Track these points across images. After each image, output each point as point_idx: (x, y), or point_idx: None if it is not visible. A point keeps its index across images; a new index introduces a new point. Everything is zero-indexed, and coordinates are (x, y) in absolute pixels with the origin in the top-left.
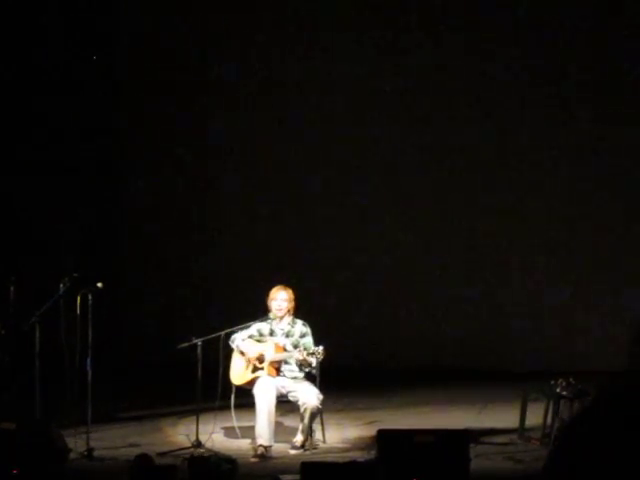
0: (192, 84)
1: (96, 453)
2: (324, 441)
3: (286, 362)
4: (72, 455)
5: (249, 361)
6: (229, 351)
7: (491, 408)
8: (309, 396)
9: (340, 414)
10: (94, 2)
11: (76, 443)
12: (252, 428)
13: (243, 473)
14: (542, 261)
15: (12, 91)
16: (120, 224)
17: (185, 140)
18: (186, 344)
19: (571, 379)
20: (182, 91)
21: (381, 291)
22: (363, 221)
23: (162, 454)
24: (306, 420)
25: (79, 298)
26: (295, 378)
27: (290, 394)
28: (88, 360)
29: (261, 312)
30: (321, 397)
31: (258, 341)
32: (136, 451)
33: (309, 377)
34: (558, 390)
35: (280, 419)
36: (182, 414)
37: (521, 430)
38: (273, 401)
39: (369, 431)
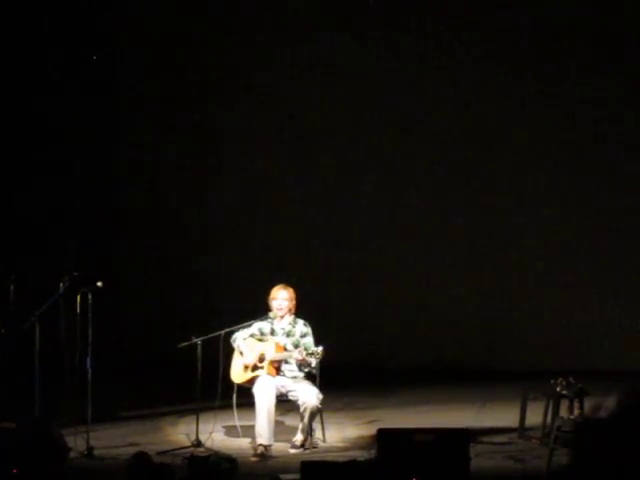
0: (192, 84)
1: (96, 452)
2: (324, 440)
3: (286, 361)
4: (72, 454)
5: (247, 365)
6: (229, 350)
7: (491, 407)
8: (309, 395)
9: (340, 413)
10: (94, 2)
11: (76, 442)
12: (252, 427)
13: (243, 472)
14: (542, 261)
15: (12, 91)
16: (120, 224)
17: (185, 140)
18: (186, 343)
19: (571, 378)
20: (182, 91)
21: (381, 291)
22: (363, 221)
23: (162, 453)
24: (306, 419)
25: (79, 297)
26: (295, 377)
27: (290, 393)
28: (88, 359)
29: (261, 312)
30: (321, 396)
31: (259, 340)
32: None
33: (309, 376)
34: (558, 389)
35: (280, 418)
36: (182, 413)
37: (521, 429)
38: (273, 400)
39: (369, 430)
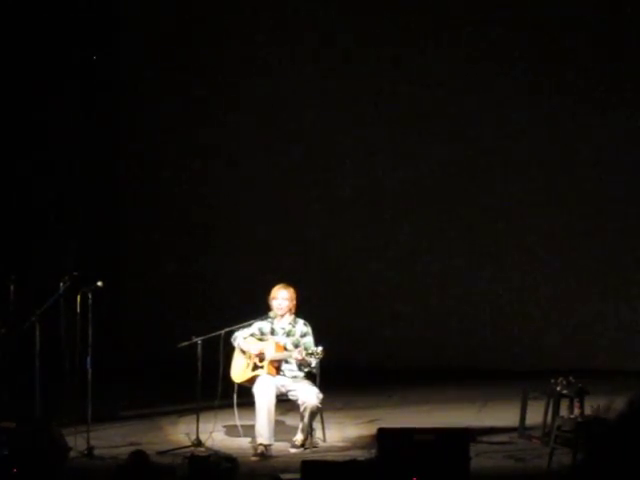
0: (192, 84)
1: (96, 452)
2: (324, 440)
3: (286, 361)
4: (72, 454)
5: (250, 357)
6: (229, 350)
7: (491, 407)
8: (309, 395)
9: (340, 413)
10: (94, 2)
11: (76, 442)
12: (252, 427)
13: (243, 472)
14: (542, 261)
15: (11, 91)
16: (120, 224)
17: (185, 140)
18: (186, 343)
19: (571, 378)
20: (182, 91)
21: (381, 291)
22: (363, 221)
23: (162, 453)
24: (306, 419)
25: (79, 297)
26: (295, 377)
27: (290, 393)
28: (88, 359)
29: (261, 312)
30: (321, 396)
31: (259, 339)
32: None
33: (309, 376)
34: (558, 389)
35: (280, 418)
36: (182, 413)
37: (521, 429)
38: (273, 400)
39: (369, 430)
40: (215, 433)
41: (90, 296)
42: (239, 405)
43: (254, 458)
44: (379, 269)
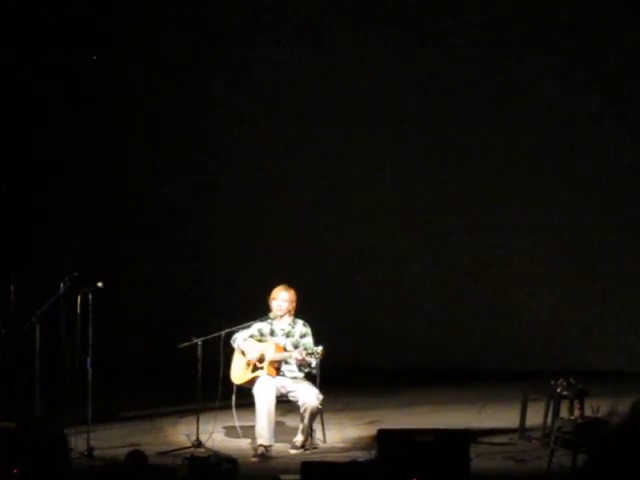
0: (192, 84)
1: (96, 452)
2: (324, 441)
3: (286, 362)
4: (72, 454)
5: (249, 362)
6: (229, 351)
7: (491, 408)
8: (309, 396)
9: (340, 414)
10: (94, 2)
11: (76, 442)
12: (252, 428)
13: (243, 473)
14: (542, 262)
15: (11, 91)
16: (120, 224)
17: (185, 140)
18: (186, 344)
19: (571, 379)
20: (182, 91)
21: (381, 291)
22: (363, 222)
23: (162, 454)
24: (306, 420)
25: (79, 298)
26: (295, 378)
27: (290, 394)
28: (88, 359)
29: (261, 312)
30: (321, 397)
31: (259, 341)
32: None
33: (309, 377)
34: (558, 390)
35: (280, 419)
36: (182, 414)
37: (521, 430)
38: (273, 401)
39: (369, 431)
40: (215, 434)
41: (90, 297)
42: (239, 406)
43: (254, 459)
44: (379, 269)
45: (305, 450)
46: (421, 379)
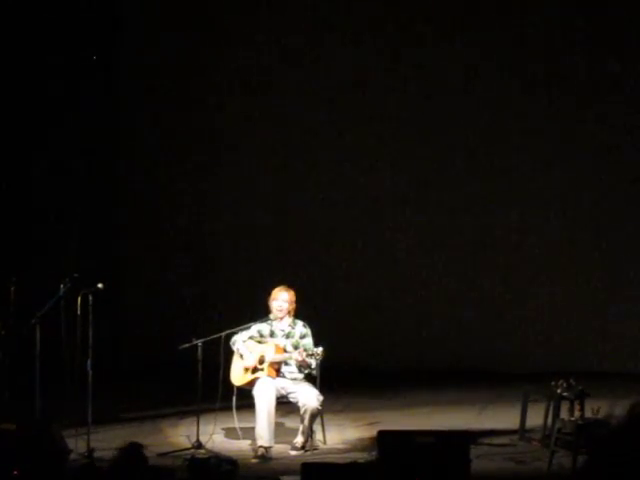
0: (192, 84)
1: (97, 454)
2: (324, 442)
3: (286, 363)
4: (72, 456)
5: (247, 368)
6: (230, 352)
7: (492, 409)
8: (309, 397)
9: (340, 415)
10: (94, 2)
11: (77, 444)
12: (252, 429)
13: (243, 474)
14: (542, 263)
15: (11, 92)
16: (120, 224)
17: (185, 140)
18: (187, 345)
19: (572, 380)
20: (182, 91)
21: (381, 292)
22: (363, 222)
23: (162, 455)
24: (306, 421)
25: (79, 299)
26: (295, 379)
27: (290, 395)
28: (88, 361)
29: (261, 313)
30: (321, 398)
31: (259, 342)
32: None
33: (309, 378)
34: (559, 391)
35: (280, 420)
36: (183, 415)
37: (522, 431)
38: (273, 402)
39: (369, 432)
40: (215, 435)
41: (90, 298)
42: (240, 407)
43: (254, 460)
44: (379, 270)
45: (305, 451)
46: (421, 380)
